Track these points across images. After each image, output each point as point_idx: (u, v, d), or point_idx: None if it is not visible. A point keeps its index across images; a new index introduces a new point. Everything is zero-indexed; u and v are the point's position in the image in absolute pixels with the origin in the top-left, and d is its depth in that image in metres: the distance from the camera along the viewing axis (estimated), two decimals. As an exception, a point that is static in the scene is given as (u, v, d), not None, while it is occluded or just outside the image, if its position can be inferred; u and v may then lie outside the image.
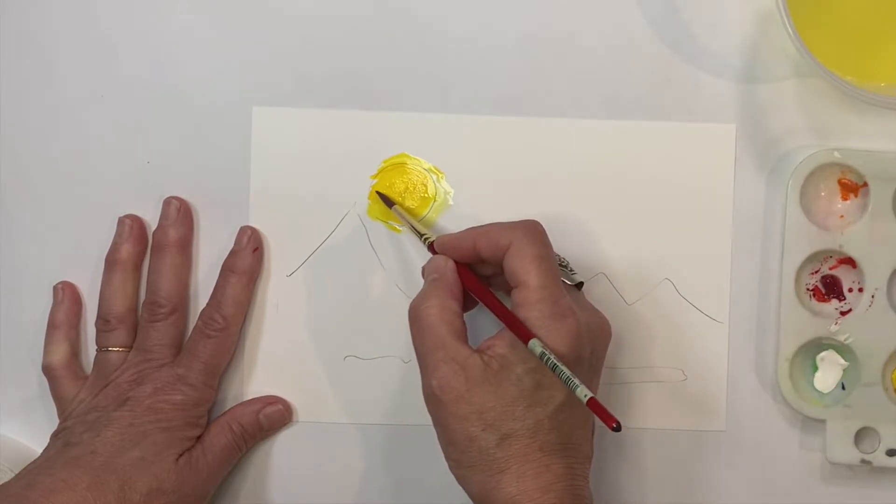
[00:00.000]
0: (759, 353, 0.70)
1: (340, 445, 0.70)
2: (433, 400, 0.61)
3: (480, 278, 0.65)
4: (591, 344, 0.62)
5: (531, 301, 0.61)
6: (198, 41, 0.70)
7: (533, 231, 0.63)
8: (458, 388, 0.60)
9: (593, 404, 0.58)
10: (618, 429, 0.57)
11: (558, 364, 0.59)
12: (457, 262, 0.64)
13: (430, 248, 0.66)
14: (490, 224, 0.64)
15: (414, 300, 0.63)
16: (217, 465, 0.67)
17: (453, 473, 0.62)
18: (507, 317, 0.61)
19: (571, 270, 0.67)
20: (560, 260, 0.65)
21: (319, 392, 0.70)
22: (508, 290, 0.63)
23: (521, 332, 0.60)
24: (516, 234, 0.62)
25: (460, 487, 0.62)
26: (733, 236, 0.70)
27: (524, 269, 0.61)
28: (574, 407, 0.61)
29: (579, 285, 0.66)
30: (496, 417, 0.60)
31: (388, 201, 0.69)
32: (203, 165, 0.70)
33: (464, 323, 0.63)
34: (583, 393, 0.58)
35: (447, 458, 0.62)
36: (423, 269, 0.66)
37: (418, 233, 0.67)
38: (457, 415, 0.60)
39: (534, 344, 0.59)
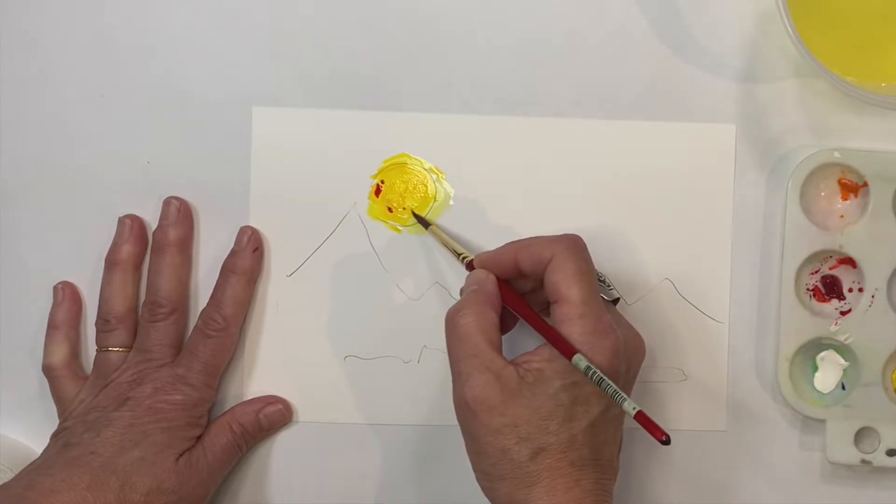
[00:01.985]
0: (759, 353, 0.70)
1: (340, 445, 0.70)
2: (465, 409, 0.61)
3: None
4: (627, 361, 0.62)
5: (573, 316, 0.60)
6: (198, 41, 0.70)
7: (575, 246, 0.62)
8: (492, 398, 0.60)
9: (641, 418, 0.58)
10: (667, 442, 0.57)
11: (605, 378, 0.59)
12: (497, 278, 0.64)
13: (469, 266, 0.66)
14: (531, 237, 0.64)
15: (451, 308, 0.63)
16: (217, 464, 0.67)
17: (480, 484, 0.62)
18: (547, 332, 0.61)
19: (609, 286, 0.66)
20: (598, 275, 0.65)
21: (319, 392, 0.70)
22: (545, 307, 0.63)
23: (564, 348, 0.60)
24: (559, 248, 0.62)
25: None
26: (733, 236, 0.70)
27: (566, 283, 0.61)
28: (607, 423, 0.61)
29: (616, 301, 0.66)
30: (531, 431, 0.60)
31: (424, 223, 0.69)
32: (203, 165, 0.70)
33: (500, 336, 0.62)
34: (631, 406, 0.58)
35: (475, 468, 0.62)
36: (466, 281, 0.65)
37: (456, 253, 0.67)
38: (490, 426, 0.60)
39: (578, 359, 0.59)
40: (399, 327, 0.70)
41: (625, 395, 0.58)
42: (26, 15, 0.70)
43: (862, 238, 0.68)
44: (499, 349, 0.61)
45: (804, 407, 0.69)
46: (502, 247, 0.64)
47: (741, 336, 0.70)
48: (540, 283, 0.63)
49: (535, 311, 0.63)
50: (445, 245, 0.68)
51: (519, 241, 0.64)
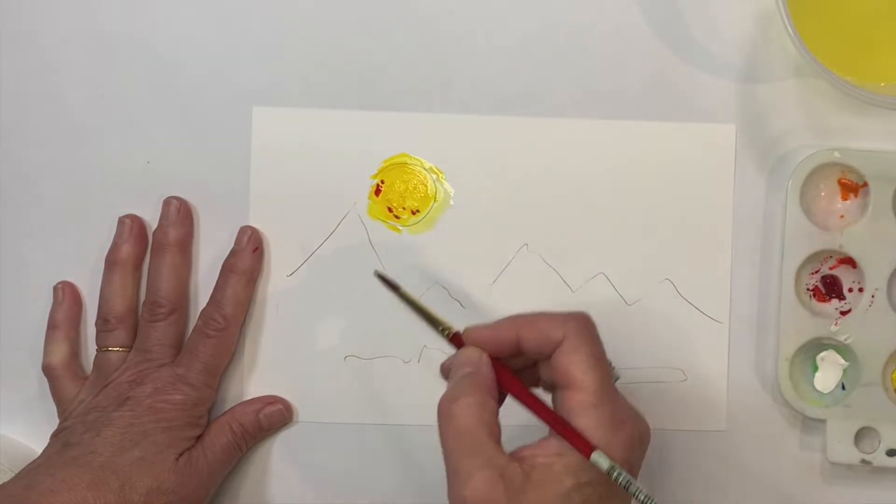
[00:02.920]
0: (759, 353, 0.70)
1: (340, 445, 0.70)
2: None
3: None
4: (640, 450, 0.58)
5: (587, 406, 0.55)
6: (198, 41, 0.70)
7: (587, 326, 0.57)
8: (495, 499, 0.54)
9: None
10: None
11: (633, 481, 0.54)
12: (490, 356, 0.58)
13: (453, 340, 0.60)
14: (535, 314, 0.58)
15: (445, 396, 0.57)
16: (217, 464, 0.67)
17: None
18: (558, 424, 0.56)
19: (612, 365, 0.60)
20: None
21: (319, 392, 0.70)
22: (535, 384, 0.60)
23: (579, 443, 0.55)
24: (569, 328, 0.57)
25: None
26: (733, 236, 0.70)
27: (581, 368, 0.56)
28: None
29: (616, 380, 0.61)
30: None
31: (391, 285, 0.62)
32: (203, 165, 0.70)
33: (499, 426, 0.57)
34: None
35: None
36: (445, 364, 0.60)
37: (435, 323, 0.60)
38: None
39: (599, 457, 0.54)
40: (399, 327, 0.70)
41: (655, 501, 0.54)
42: (26, 15, 0.70)
43: (862, 238, 0.68)
44: (499, 442, 0.56)
45: (804, 407, 0.69)
46: (501, 322, 0.59)
47: (741, 336, 0.70)
48: (532, 361, 0.59)
49: (539, 399, 0.57)
50: (420, 313, 0.61)
51: (521, 317, 0.58)
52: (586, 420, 0.55)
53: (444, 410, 0.56)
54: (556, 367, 0.57)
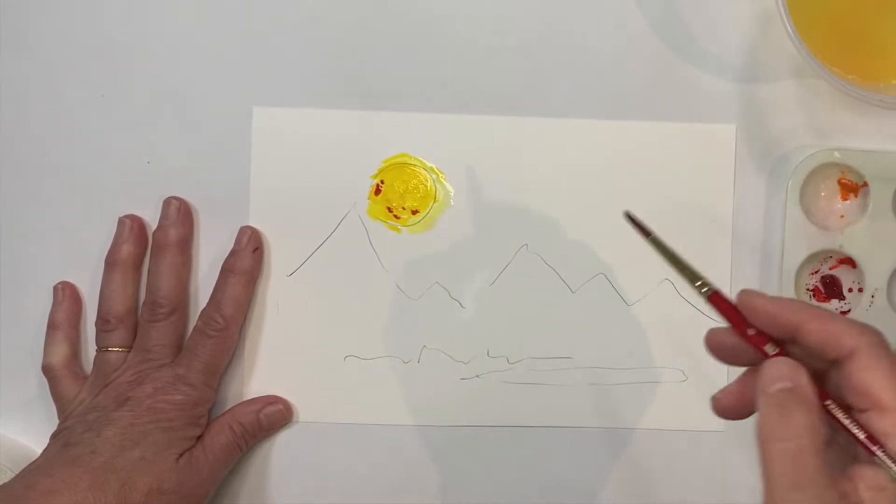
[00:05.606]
0: (759, 353, 0.70)
1: (340, 445, 0.70)
2: None
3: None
4: None
5: None
6: (198, 41, 0.70)
7: (883, 341, 0.50)
8: None
9: None
10: None
11: None
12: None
13: (712, 299, 0.53)
14: (824, 311, 0.51)
15: (768, 419, 0.49)
16: (217, 464, 0.67)
17: None
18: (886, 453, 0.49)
19: None
20: None
21: (319, 392, 0.70)
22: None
23: None
24: (864, 340, 0.50)
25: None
26: (733, 236, 0.70)
27: (885, 388, 0.49)
28: None
29: None
30: None
31: (642, 230, 0.56)
32: (203, 165, 0.70)
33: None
34: None
35: None
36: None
37: (692, 277, 0.54)
38: None
39: None
40: (399, 327, 0.70)
41: None
42: (26, 15, 0.70)
43: (862, 238, 0.68)
44: (828, 473, 0.48)
45: (804, 407, 0.69)
46: (783, 301, 0.52)
47: (741, 336, 0.70)
48: (799, 347, 0.52)
49: (855, 421, 0.50)
50: (675, 265, 0.55)
51: (808, 305, 0.52)
52: None
53: (769, 435, 0.49)
54: (851, 381, 0.50)
